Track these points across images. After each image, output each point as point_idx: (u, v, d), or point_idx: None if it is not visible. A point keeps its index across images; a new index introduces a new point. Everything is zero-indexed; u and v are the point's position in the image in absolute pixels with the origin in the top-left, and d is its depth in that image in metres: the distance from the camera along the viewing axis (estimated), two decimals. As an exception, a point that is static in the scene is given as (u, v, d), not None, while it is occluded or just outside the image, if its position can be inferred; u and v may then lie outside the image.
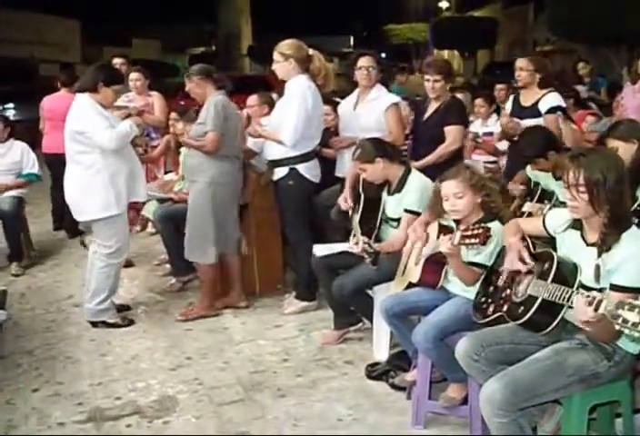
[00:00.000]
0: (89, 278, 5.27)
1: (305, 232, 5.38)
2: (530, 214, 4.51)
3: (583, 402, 3.02)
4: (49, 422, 3.98)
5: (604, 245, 2.89)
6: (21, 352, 4.91)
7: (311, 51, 5.19)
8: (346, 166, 5.28)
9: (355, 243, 4.30)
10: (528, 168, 4.79)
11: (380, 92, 5.35)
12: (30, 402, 4.21)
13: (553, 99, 5.41)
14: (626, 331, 2.40)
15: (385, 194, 4.56)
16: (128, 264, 6.42)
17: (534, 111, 5.43)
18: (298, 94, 5.05)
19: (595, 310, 2.54)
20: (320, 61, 5.20)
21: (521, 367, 2.99)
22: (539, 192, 4.74)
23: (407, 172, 4.48)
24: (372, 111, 5.31)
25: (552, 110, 5.33)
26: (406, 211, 4.36)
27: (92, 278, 5.24)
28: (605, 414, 3.28)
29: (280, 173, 5.24)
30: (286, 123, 5.05)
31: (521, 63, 5.57)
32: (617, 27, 18.54)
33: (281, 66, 5.13)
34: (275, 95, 6.83)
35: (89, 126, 4.92)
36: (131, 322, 5.32)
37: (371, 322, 4.70)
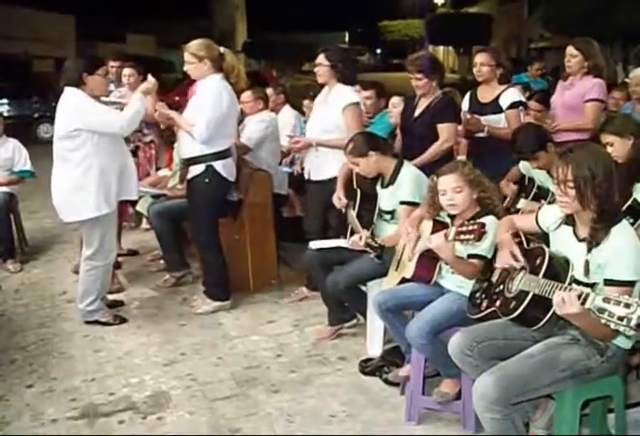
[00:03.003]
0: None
1: (216, 233, 5.33)
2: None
3: (575, 398, 3.02)
4: (42, 419, 3.97)
5: (593, 240, 2.90)
6: (15, 348, 4.90)
7: (222, 49, 5.13)
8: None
9: (359, 238, 4.30)
10: (521, 164, 4.80)
11: (340, 91, 5.23)
12: (24, 399, 4.20)
13: (513, 94, 5.31)
14: (612, 325, 2.41)
15: (379, 188, 4.56)
16: (117, 266, 6.38)
17: (494, 107, 5.32)
18: (214, 91, 4.99)
19: (582, 304, 2.55)
20: (232, 59, 5.15)
21: (513, 362, 2.99)
22: (534, 188, 4.75)
23: (400, 164, 4.48)
24: (330, 111, 5.24)
25: (513, 105, 5.27)
26: (403, 202, 4.36)
27: (80, 280, 5.21)
28: (597, 409, 3.29)
29: (196, 170, 5.15)
30: (200, 119, 4.97)
31: (481, 57, 5.37)
32: (612, 24, 18.56)
33: (195, 68, 5.04)
34: (269, 91, 6.85)
35: (94, 119, 4.81)
36: (123, 321, 5.29)
37: (365, 317, 4.71)
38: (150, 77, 5.17)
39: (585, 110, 5.41)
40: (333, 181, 5.17)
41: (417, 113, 5.34)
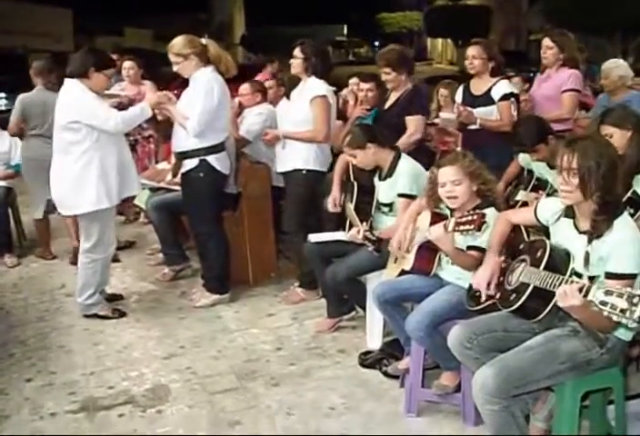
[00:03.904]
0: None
1: (216, 225, 5.35)
2: (524, 203, 4.51)
3: (575, 389, 3.02)
4: (42, 412, 3.97)
5: (595, 232, 2.89)
6: (14, 342, 4.90)
7: (204, 40, 5.10)
8: None
9: (357, 232, 4.30)
10: (521, 156, 4.79)
11: (310, 84, 5.22)
12: (23, 392, 4.20)
13: (505, 86, 5.33)
14: (614, 317, 2.40)
15: (376, 180, 4.55)
16: (114, 259, 6.36)
17: (486, 99, 5.35)
18: (205, 85, 4.96)
19: (585, 296, 2.55)
20: (215, 48, 5.10)
21: (513, 354, 2.99)
22: (533, 180, 4.75)
23: (397, 156, 4.47)
24: (299, 103, 5.25)
25: (505, 97, 5.28)
26: (400, 195, 4.35)
27: (79, 273, 5.20)
28: (597, 401, 3.29)
29: (190, 164, 5.14)
30: (191, 113, 4.95)
31: (473, 50, 5.42)
32: (612, 15, 18.52)
33: (183, 67, 5.01)
34: (270, 82, 6.84)
35: (89, 112, 4.80)
36: (122, 315, 5.29)
37: (364, 310, 4.70)
38: (167, 94, 5.16)
39: (562, 100, 5.45)
40: (296, 172, 5.27)
41: (387, 105, 5.41)
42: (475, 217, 3.29)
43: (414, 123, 5.23)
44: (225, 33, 38.78)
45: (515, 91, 5.45)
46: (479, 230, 3.31)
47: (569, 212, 3.06)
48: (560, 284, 2.75)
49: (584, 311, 2.64)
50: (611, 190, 2.86)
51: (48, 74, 6.45)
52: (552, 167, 4.52)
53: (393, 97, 5.40)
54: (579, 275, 2.89)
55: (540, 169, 4.64)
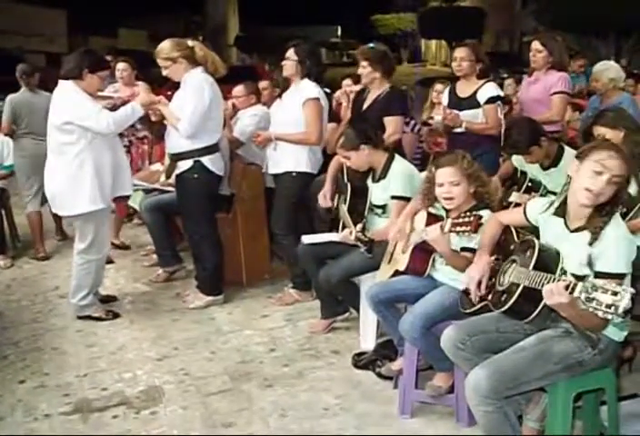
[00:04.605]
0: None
1: (210, 226, 5.36)
2: (517, 205, 4.51)
3: (568, 390, 3.02)
4: (35, 414, 3.96)
5: (595, 235, 2.89)
6: (7, 344, 4.89)
7: (189, 42, 5.09)
8: None
9: (349, 233, 4.30)
10: (514, 158, 4.80)
11: (303, 86, 5.23)
12: (16, 394, 4.19)
13: (491, 89, 5.32)
14: (600, 313, 2.41)
15: (369, 182, 4.55)
16: (108, 261, 6.35)
17: (472, 102, 5.33)
18: (196, 85, 4.95)
19: (570, 293, 2.56)
20: (202, 49, 5.09)
21: (506, 355, 2.99)
22: (526, 181, 4.75)
23: (391, 158, 4.47)
24: (289, 105, 5.25)
25: (491, 100, 5.27)
26: (394, 197, 4.35)
27: (73, 275, 5.19)
28: (590, 402, 3.29)
29: (184, 166, 5.14)
30: (183, 115, 4.95)
31: (461, 52, 5.38)
32: (605, 17, 18.54)
33: (173, 70, 5.02)
34: (265, 83, 6.84)
35: (82, 113, 4.79)
36: (116, 316, 5.28)
37: (358, 311, 4.71)
38: (161, 98, 5.16)
39: (552, 103, 5.46)
40: (287, 175, 5.27)
41: (365, 105, 5.39)
42: (472, 219, 3.30)
43: (393, 123, 5.20)
44: (219, 34, 38.71)
45: (502, 94, 5.44)
46: (475, 232, 3.32)
47: (559, 211, 3.06)
48: (549, 283, 2.76)
49: (571, 308, 2.65)
50: (615, 202, 2.89)
51: (27, 77, 6.77)
52: (545, 169, 4.54)
53: (370, 98, 5.36)
54: (570, 275, 2.90)
55: (533, 170, 4.65)
